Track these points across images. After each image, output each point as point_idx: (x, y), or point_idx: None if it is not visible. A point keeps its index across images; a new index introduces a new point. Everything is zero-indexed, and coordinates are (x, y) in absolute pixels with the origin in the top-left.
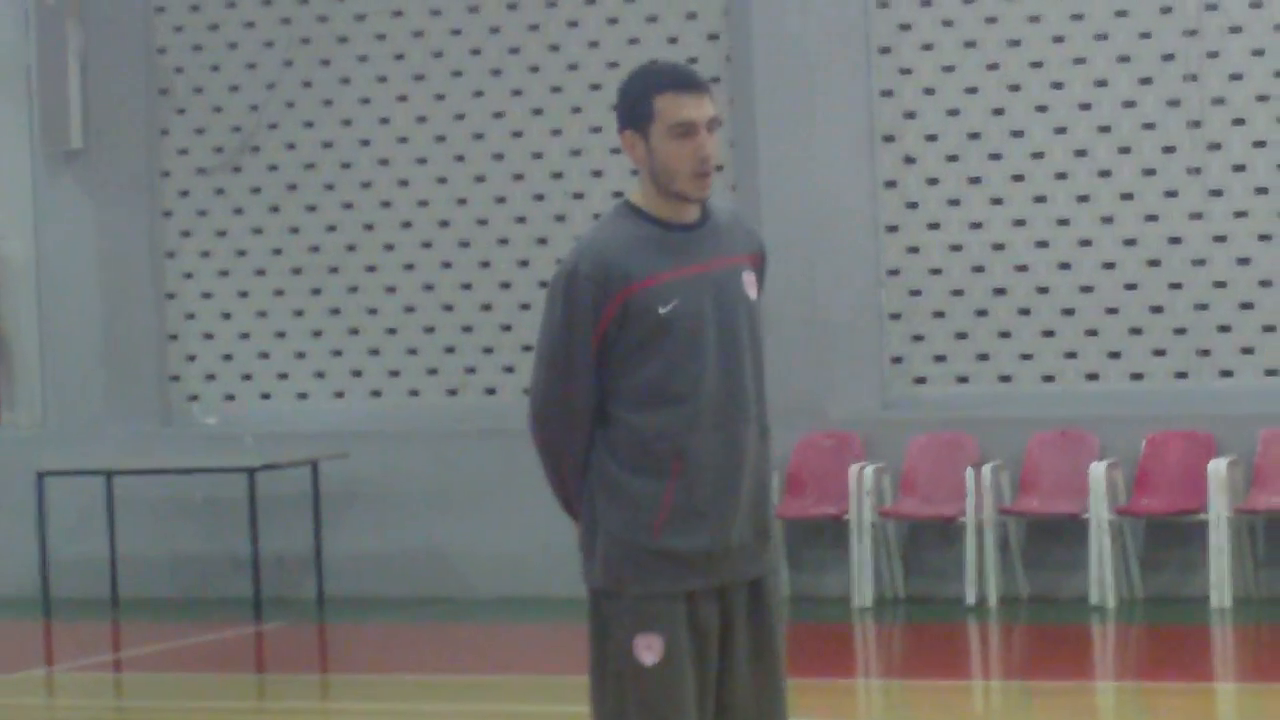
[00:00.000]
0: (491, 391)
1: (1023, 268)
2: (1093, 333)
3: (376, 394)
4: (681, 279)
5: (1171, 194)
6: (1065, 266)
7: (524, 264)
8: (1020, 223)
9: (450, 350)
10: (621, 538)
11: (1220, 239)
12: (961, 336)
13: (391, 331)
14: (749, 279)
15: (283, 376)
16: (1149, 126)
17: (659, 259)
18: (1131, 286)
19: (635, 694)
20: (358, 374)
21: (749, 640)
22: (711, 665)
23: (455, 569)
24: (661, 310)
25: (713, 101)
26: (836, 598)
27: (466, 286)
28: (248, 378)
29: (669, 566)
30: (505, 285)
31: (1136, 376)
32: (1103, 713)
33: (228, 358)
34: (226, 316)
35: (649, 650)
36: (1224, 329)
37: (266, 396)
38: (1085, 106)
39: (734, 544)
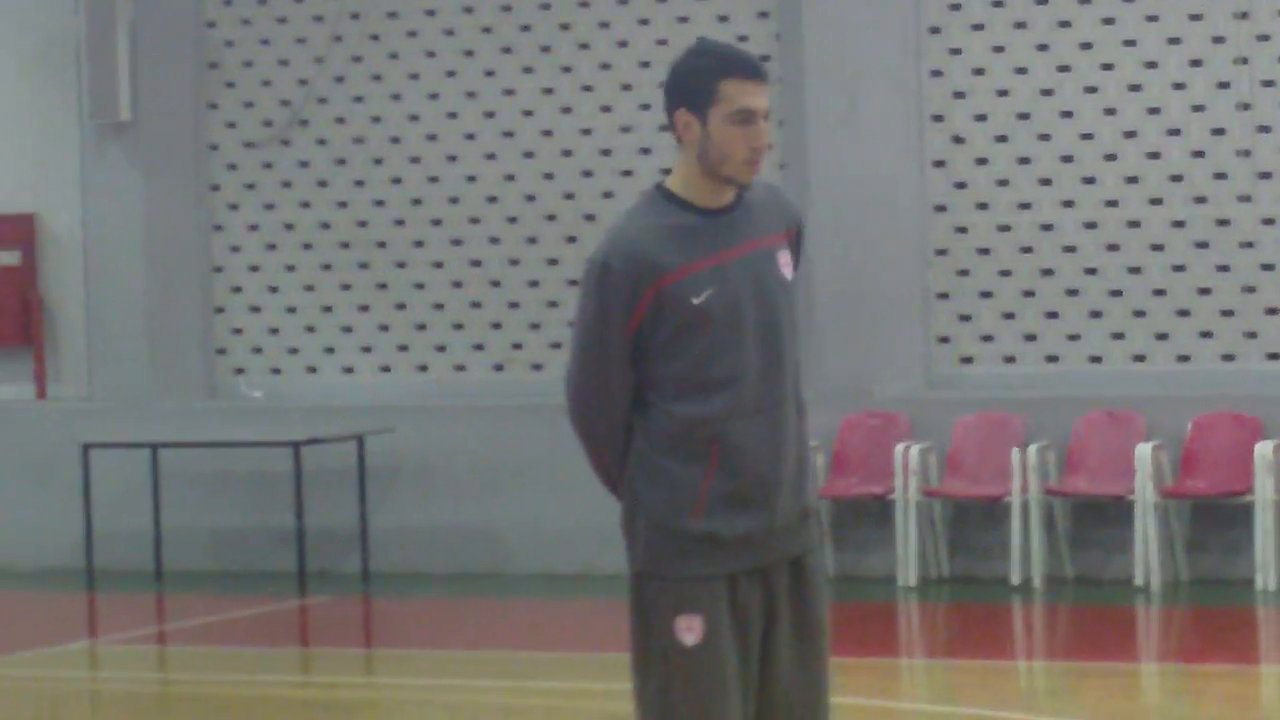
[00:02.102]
0: (538, 367)
1: (1071, 248)
2: (1140, 314)
3: (423, 369)
4: (715, 267)
5: (1220, 176)
6: (1114, 248)
7: (571, 240)
8: (1069, 203)
9: (497, 326)
10: (662, 521)
11: (1269, 221)
12: (1009, 316)
13: (438, 306)
14: (784, 259)
15: (329, 350)
16: (1199, 109)
17: (691, 248)
18: (1179, 268)
19: (678, 675)
20: (404, 349)
21: (791, 619)
22: (754, 646)
23: (500, 544)
24: (695, 300)
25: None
26: (882, 577)
27: (514, 262)
28: (294, 351)
29: (709, 549)
30: (552, 261)
31: (1184, 358)
32: (1147, 694)
33: (274, 331)
34: (273, 290)
35: (690, 631)
36: (1272, 311)
37: (313, 370)
38: (1135, 88)
39: (776, 525)
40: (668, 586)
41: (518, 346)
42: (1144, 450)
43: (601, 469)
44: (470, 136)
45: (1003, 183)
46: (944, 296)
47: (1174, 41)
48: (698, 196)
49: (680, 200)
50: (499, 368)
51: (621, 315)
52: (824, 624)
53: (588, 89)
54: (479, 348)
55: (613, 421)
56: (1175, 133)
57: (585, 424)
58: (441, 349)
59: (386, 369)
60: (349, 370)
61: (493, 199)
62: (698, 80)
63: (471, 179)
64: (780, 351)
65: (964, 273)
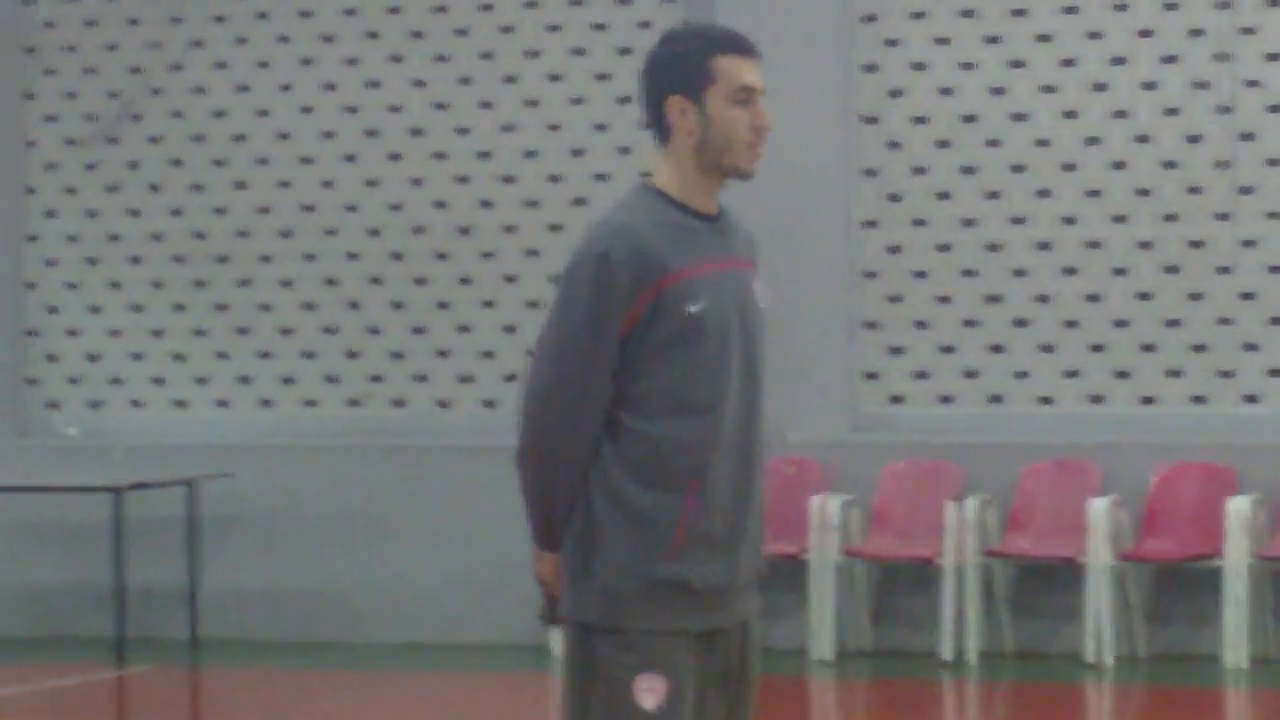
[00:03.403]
0: (400, 404)
1: (1020, 272)
2: (1099, 348)
3: (266, 404)
4: (710, 275)
5: (1195, 190)
6: (1070, 272)
7: (441, 256)
8: (1019, 220)
9: (354, 355)
10: (629, 565)
11: (1249, 244)
12: (947, 350)
13: (286, 332)
14: (759, 287)
15: (158, 382)
16: (1171, 112)
17: (690, 251)
18: (1145, 296)
19: None
20: (245, 380)
21: (734, 691)
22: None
23: (351, 609)
24: (691, 308)
25: None
26: (793, 649)
27: (375, 281)
28: (117, 382)
29: (681, 600)
30: (420, 281)
31: (1147, 400)
32: None
33: (94, 358)
34: (95, 310)
35: (651, 693)
36: (1250, 347)
37: (138, 404)
38: (1100, 87)
39: (740, 580)
40: (629, 641)
41: (377, 379)
42: (1099, 506)
43: (548, 503)
44: (328, 135)
45: (943, 195)
46: (872, 326)
47: (1145, 34)
48: (690, 198)
49: (673, 200)
50: (355, 403)
51: (618, 313)
52: (754, 705)
53: (465, 81)
54: (333, 380)
55: (580, 441)
56: (1144, 140)
57: (549, 444)
58: (289, 381)
59: (224, 403)
60: (181, 404)
61: (352, 208)
62: (690, 61)
63: (328, 184)
64: (759, 381)
65: (896, 298)
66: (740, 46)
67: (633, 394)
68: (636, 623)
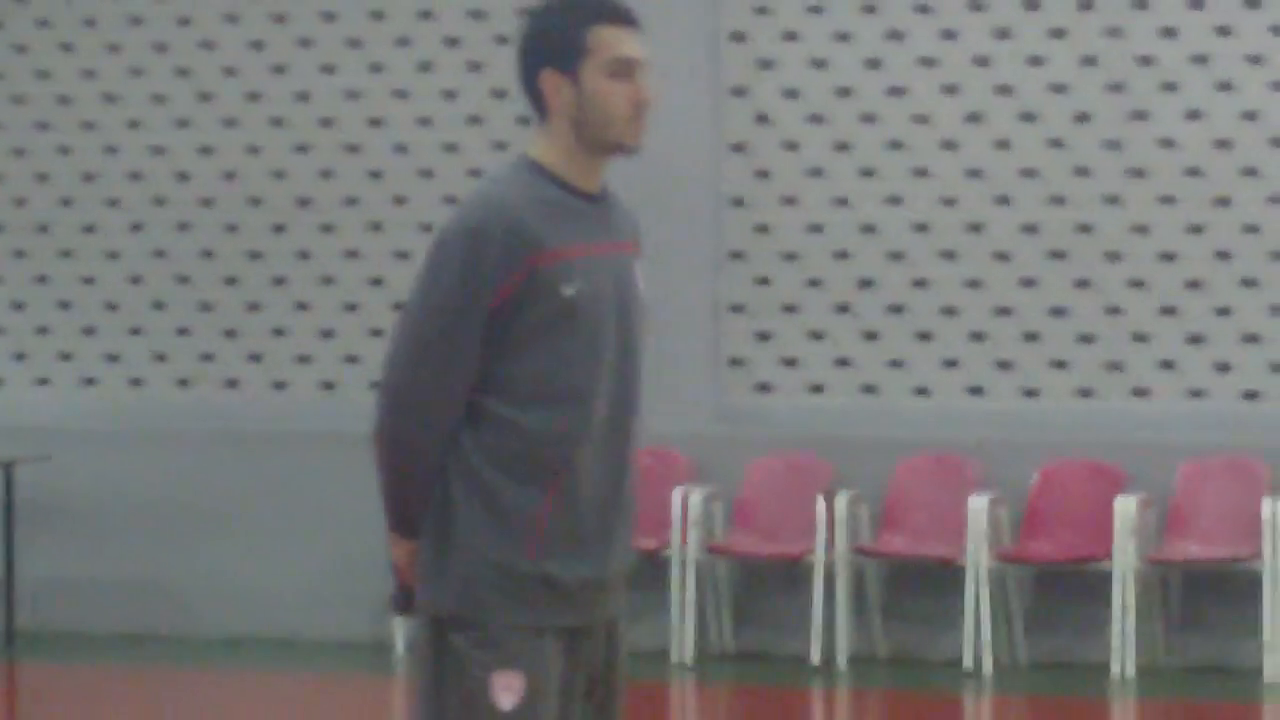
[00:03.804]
0: (233, 384)
1: (896, 255)
2: (979, 337)
3: (89, 382)
4: (588, 258)
5: (1083, 171)
6: (949, 256)
7: (279, 229)
8: (895, 201)
9: (184, 332)
10: (489, 557)
11: (1140, 229)
12: (817, 337)
13: (112, 307)
14: (639, 272)
15: None
16: (1059, 89)
17: (567, 229)
18: (1029, 283)
19: None
20: (66, 357)
21: (601, 694)
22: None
23: (179, 601)
24: (566, 291)
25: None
26: (652, 651)
27: (207, 254)
28: None
29: (543, 595)
30: (255, 255)
31: (1030, 393)
32: None
33: None
34: None
35: (508, 691)
36: (1140, 338)
37: None
38: (981, 62)
39: (608, 577)
40: (487, 636)
41: (208, 358)
42: (978, 504)
43: (404, 488)
44: (159, 99)
45: (815, 173)
46: (738, 309)
47: (1032, 7)
48: (571, 175)
49: (553, 176)
50: (184, 383)
51: (487, 289)
52: (623, 708)
53: (305, 44)
54: (161, 358)
55: (440, 425)
56: (1029, 118)
57: (405, 424)
58: (114, 359)
59: (44, 381)
60: None
61: (183, 176)
62: (563, 33)
63: (158, 150)
64: (636, 372)
65: (764, 281)
66: (617, 15)
67: (499, 378)
68: (495, 617)
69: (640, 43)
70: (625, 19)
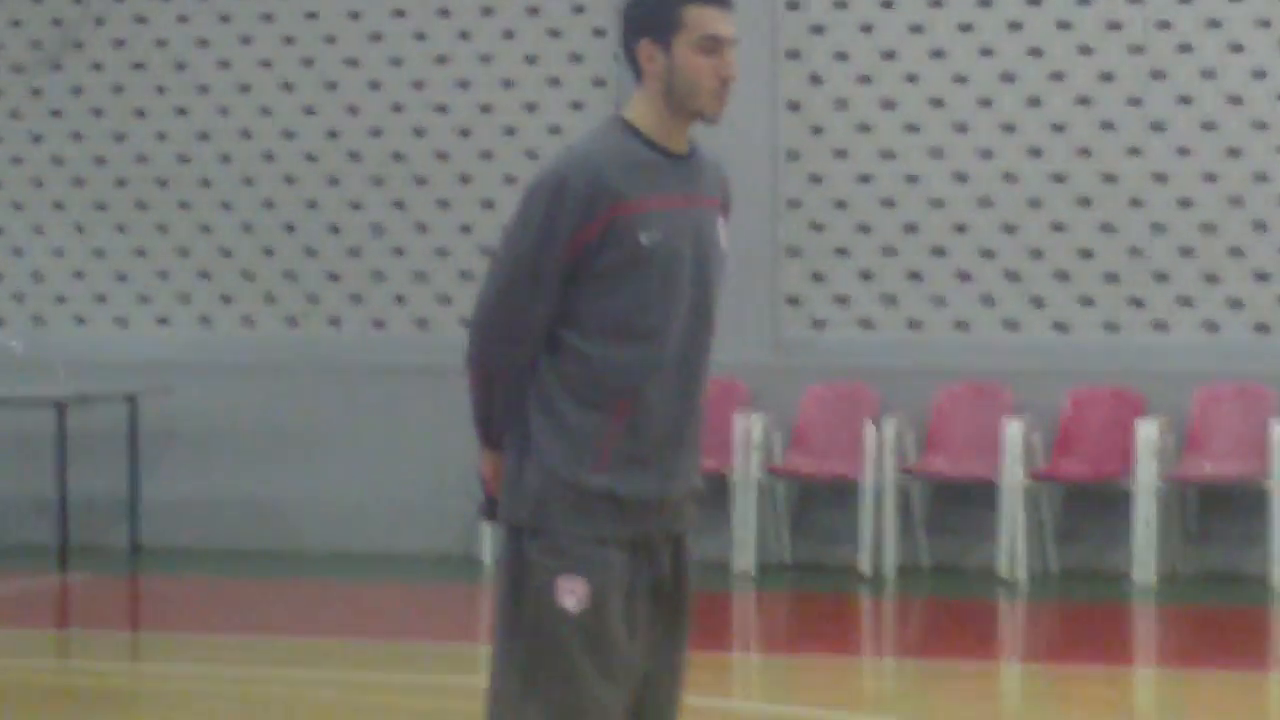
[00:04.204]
0: (335, 322)
1: (938, 202)
2: (1013, 276)
3: (205, 321)
4: (668, 211)
5: (1108, 126)
6: (986, 203)
7: (378, 182)
8: (937, 153)
9: (290, 276)
10: (558, 473)
11: (1160, 177)
12: (866, 277)
13: (226, 253)
14: (723, 227)
15: (100, 299)
16: (1085, 50)
17: (650, 184)
18: (1059, 227)
19: (551, 642)
20: (185, 299)
21: (667, 604)
22: (641, 626)
23: (287, 520)
24: (644, 239)
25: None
26: (715, 562)
27: (312, 205)
28: (61, 300)
29: (606, 509)
30: (356, 206)
31: (1060, 327)
32: (1007, 698)
33: (38, 277)
34: (39, 231)
35: (572, 595)
36: (1160, 277)
37: (81, 321)
38: (1015, 26)
39: (673, 495)
40: (554, 544)
41: (314, 299)
42: (1013, 428)
43: (487, 403)
44: (266, 64)
45: (864, 128)
46: (795, 253)
47: None
48: (659, 135)
49: (642, 135)
50: (293, 322)
51: (567, 235)
52: (691, 615)
53: (400, 12)
54: (270, 300)
55: (520, 350)
56: (1058, 77)
57: (491, 352)
58: (228, 300)
59: (164, 321)
60: (122, 322)
61: (290, 134)
62: (661, 8)
63: (266, 111)
64: (708, 314)
65: (818, 226)
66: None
67: (577, 314)
68: (561, 527)
69: (730, 22)
70: (719, 1)
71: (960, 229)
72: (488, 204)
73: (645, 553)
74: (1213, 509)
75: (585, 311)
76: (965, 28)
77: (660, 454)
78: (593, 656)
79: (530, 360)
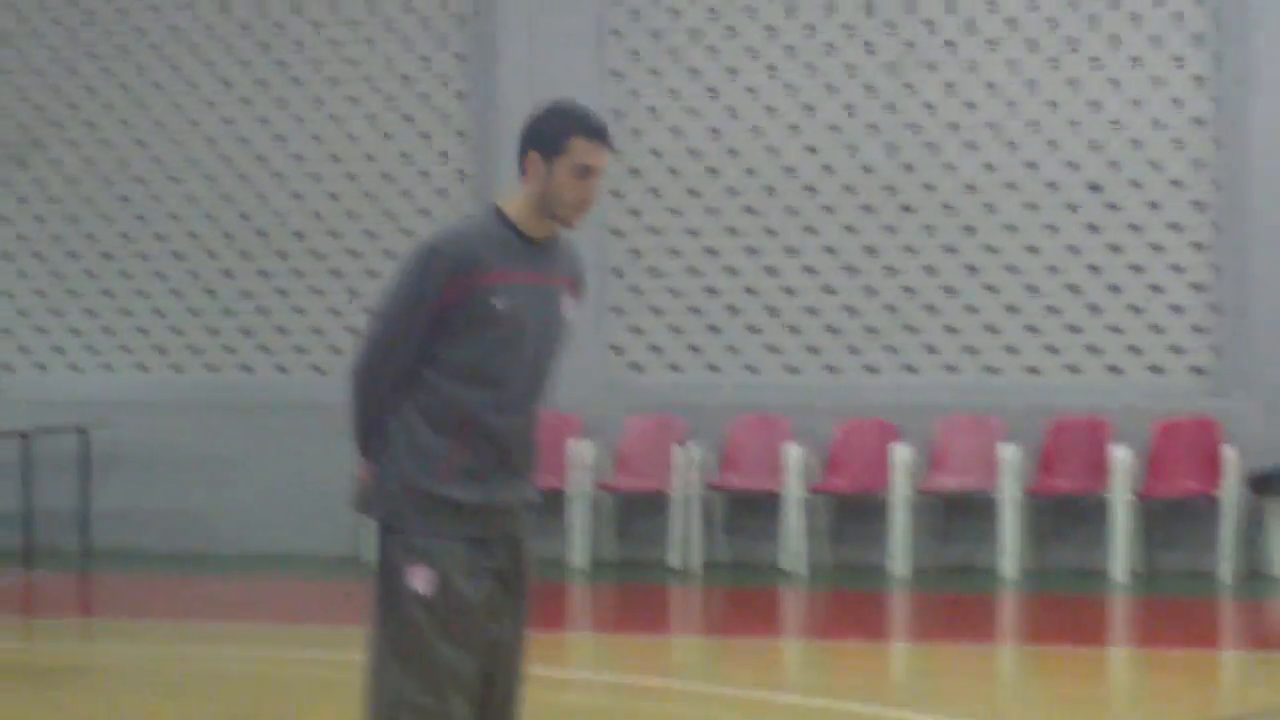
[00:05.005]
0: (247, 369)
1: (731, 270)
2: (794, 329)
3: (143, 368)
4: (521, 284)
5: (868, 209)
6: (772, 272)
7: (283, 256)
8: (732, 230)
9: (212, 331)
10: (409, 481)
11: (910, 250)
12: (676, 330)
13: (159, 313)
14: (568, 301)
15: (58, 350)
16: (853, 149)
17: (508, 261)
18: (828, 290)
19: (411, 619)
20: (127, 350)
21: (513, 590)
22: (496, 608)
23: (209, 527)
24: (496, 303)
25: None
26: (555, 560)
27: (227, 274)
28: (24, 350)
29: (448, 511)
30: (263, 274)
31: (830, 369)
32: (790, 668)
33: (5, 332)
34: (7, 294)
35: (422, 581)
36: (910, 329)
37: (42, 368)
38: (794, 128)
39: (506, 504)
40: (407, 539)
41: (230, 350)
42: (793, 451)
43: (364, 423)
44: (190, 161)
45: (674, 212)
46: (618, 311)
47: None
48: (525, 224)
49: (510, 223)
50: (213, 368)
51: (432, 296)
52: (530, 600)
53: (320, 102)
54: (196, 350)
55: (387, 383)
56: (830, 170)
57: (366, 380)
58: (161, 351)
59: (109, 368)
60: (75, 368)
61: (210, 217)
62: (555, 132)
63: (192, 199)
64: (546, 369)
65: (637, 290)
66: (598, 134)
67: (437, 358)
68: (413, 525)
69: (604, 157)
70: (602, 137)
71: (750, 291)
72: (372, 273)
73: (484, 547)
74: (954, 514)
75: (443, 357)
76: (756, 130)
77: (495, 472)
78: (440, 628)
79: (396, 389)
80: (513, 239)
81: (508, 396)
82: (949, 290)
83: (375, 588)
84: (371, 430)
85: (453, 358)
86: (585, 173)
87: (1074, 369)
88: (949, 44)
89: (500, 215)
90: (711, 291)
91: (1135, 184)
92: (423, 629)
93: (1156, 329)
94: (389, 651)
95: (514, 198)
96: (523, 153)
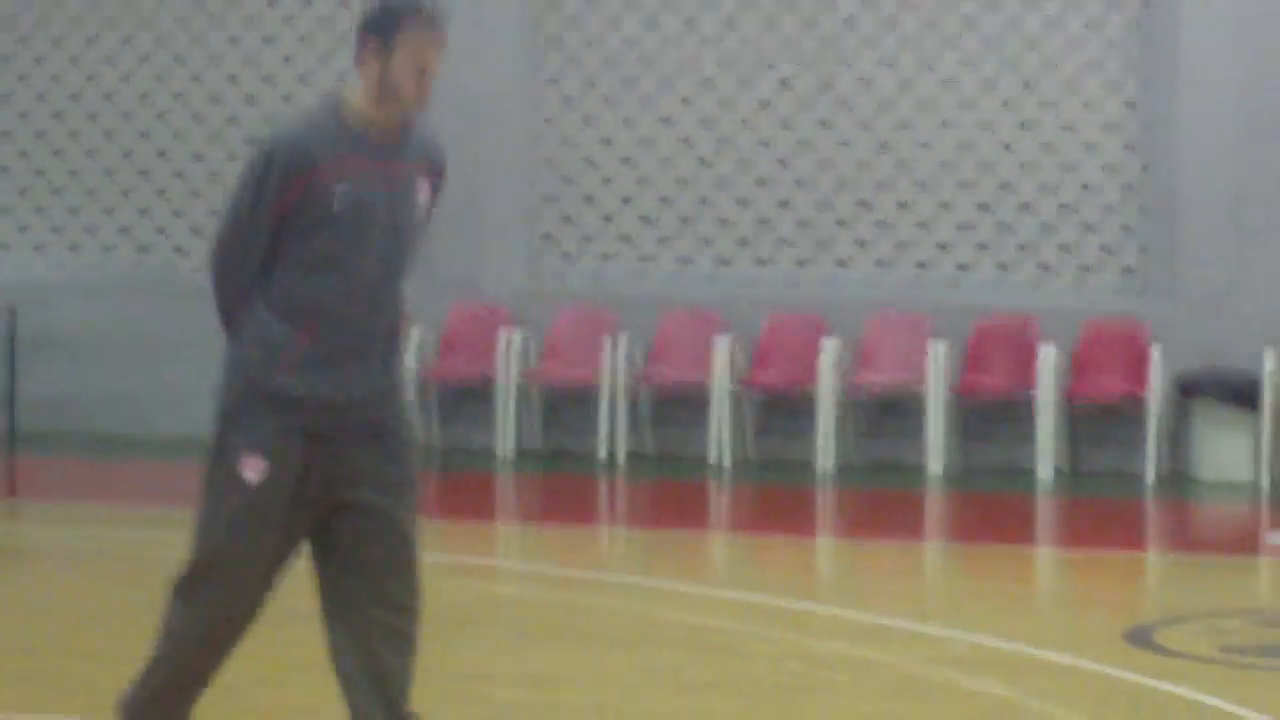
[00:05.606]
0: (180, 250)
1: (666, 161)
2: (725, 222)
3: (74, 248)
4: (362, 172)
5: (803, 104)
6: (705, 163)
7: (215, 139)
8: (667, 121)
9: (145, 212)
10: (253, 373)
11: (846, 144)
12: (607, 219)
13: (90, 193)
14: (422, 184)
15: None
16: (789, 42)
17: (345, 152)
18: (761, 182)
19: (226, 505)
20: (58, 230)
21: (375, 477)
22: (310, 503)
23: (139, 409)
24: (335, 198)
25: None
26: (482, 450)
27: (161, 154)
28: None
29: (287, 405)
30: (198, 157)
31: (761, 263)
32: (711, 559)
33: None
34: None
35: (252, 470)
36: (841, 224)
37: None
38: (731, 22)
39: (358, 396)
40: (243, 428)
41: (162, 231)
42: (722, 345)
43: (225, 314)
44: (127, 40)
45: (609, 102)
46: (551, 200)
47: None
48: (367, 112)
49: (352, 110)
50: (145, 250)
51: (270, 199)
52: (410, 481)
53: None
54: (126, 231)
55: (240, 275)
56: (770, 66)
57: (219, 272)
58: (92, 231)
59: (40, 248)
60: (5, 247)
61: (144, 96)
62: (391, 22)
63: (126, 79)
64: (397, 259)
65: (569, 180)
66: (432, 26)
67: (284, 253)
68: (250, 416)
69: (443, 44)
70: (437, 27)
71: (682, 182)
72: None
73: (325, 443)
74: (882, 411)
75: (292, 252)
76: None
77: (348, 361)
78: (251, 520)
79: (249, 280)
80: (351, 129)
81: (357, 285)
82: (881, 185)
83: (206, 473)
84: (232, 316)
85: (301, 251)
86: (423, 68)
87: (1004, 267)
88: None
89: (340, 104)
90: (643, 182)
91: (1070, 84)
92: (237, 514)
93: (1088, 228)
94: (204, 527)
95: (357, 85)
96: (361, 42)
